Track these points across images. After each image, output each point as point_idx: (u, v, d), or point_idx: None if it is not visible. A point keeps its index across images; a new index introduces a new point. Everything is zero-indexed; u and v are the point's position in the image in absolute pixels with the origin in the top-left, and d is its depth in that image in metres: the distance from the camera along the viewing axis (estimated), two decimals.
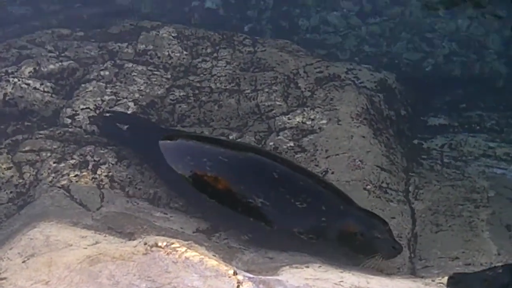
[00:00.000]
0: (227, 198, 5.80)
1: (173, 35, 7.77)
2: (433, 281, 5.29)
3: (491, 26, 8.70)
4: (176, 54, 7.54)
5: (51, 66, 7.27)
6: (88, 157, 6.33)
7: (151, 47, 7.60)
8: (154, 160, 6.25)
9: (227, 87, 7.21)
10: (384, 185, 6.39)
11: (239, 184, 5.79)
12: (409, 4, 8.94)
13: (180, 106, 6.99)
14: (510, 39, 8.61)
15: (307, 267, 5.19)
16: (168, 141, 6.22)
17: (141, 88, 7.12)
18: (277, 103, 7.05)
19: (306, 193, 5.66)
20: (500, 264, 5.53)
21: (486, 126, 7.48)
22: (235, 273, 4.74)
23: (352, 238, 5.50)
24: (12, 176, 6.23)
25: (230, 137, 6.72)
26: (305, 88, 7.23)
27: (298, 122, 6.82)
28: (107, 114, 6.74)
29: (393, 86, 7.62)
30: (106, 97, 6.97)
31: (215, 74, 7.35)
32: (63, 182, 6.05)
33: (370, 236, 5.45)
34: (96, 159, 6.32)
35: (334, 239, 5.58)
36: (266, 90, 7.17)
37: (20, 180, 6.21)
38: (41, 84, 7.06)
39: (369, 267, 5.43)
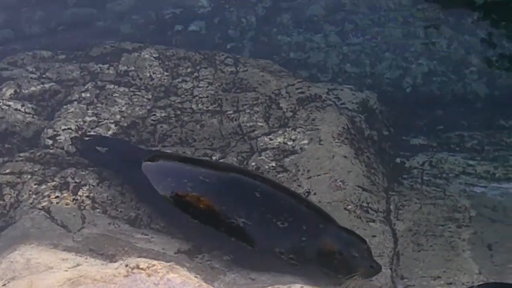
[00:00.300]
0: (209, 219, 5.77)
1: (154, 56, 7.78)
2: None
3: (471, 47, 8.79)
4: (157, 75, 7.55)
5: (33, 88, 7.26)
6: (69, 179, 6.29)
7: (133, 68, 7.61)
8: (135, 182, 6.23)
9: (209, 107, 7.22)
10: (365, 205, 6.40)
11: (221, 204, 5.77)
12: (388, 25, 9.02)
13: (161, 127, 6.99)
14: (489, 60, 8.70)
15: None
16: (148, 163, 6.19)
17: (122, 109, 7.11)
18: (259, 123, 7.07)
19: (287, 212, 5.65)
20: (480, 282, 5.57)
21: (466, 145, 7.52)
22: None
23: (330, 256, 5.48)
24: None
25: (213, 158, 6.70)
26: (286, 109, 7.25)
27: (280, 142, 6.83)
28: (86, 138, 6.70)
29: (374, 106, 7.66)
30: (88, 118, 6.96)
31: (196, 95, 7.36)
32: (44, 204, 6.01)
33: (348, 255, 5.43)
34: (77, 180, 6.29)
35: (313, 259, 5.55)
36: (248, 110, 7.18)
37: (1, 202, 6.17)
38: (22, 106, 7.04)
39: (350, 287, 5.43)
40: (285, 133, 6.93)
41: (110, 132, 6.87)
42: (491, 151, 7.41)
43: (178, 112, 7.14)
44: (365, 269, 5.41)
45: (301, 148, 6.76)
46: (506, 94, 8.38)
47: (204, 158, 6.66)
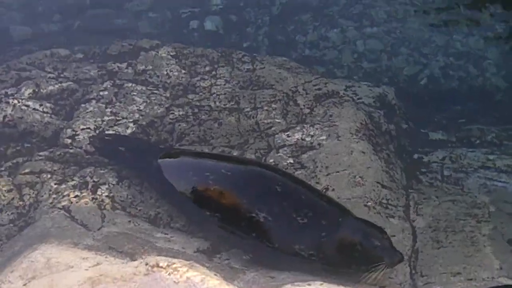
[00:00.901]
0: (229, 213, 5.74)
1: (171, 54, 7.79)
2: None
3: (489, 41, 8.75)
4: (174, 74, 7.56)
5: (51, 87, 7.28)
6: (88, 178, 6.32)
7: (150, 66, 7.62)
8: (155, 180, 6.23)
9: (227, 105, 7.23)
10: (384, 201, 6.38)
11: (243, 198, 5.73)
12: (406, 20, 8.99)
13: (179, 125, 7.00)
14: (508, 53, 8.66)
15: (309, 285, 5.16)
16: (169, 159, 6.21)
17: (140, 108, 7.13)
18: (277, 120, 7.06)
19: (307, 207, 5.62)
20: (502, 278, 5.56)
21: (486, 139, 7.49)
22: None
23: (352, 249, 5.44)
24: (12, 198, 6.22)
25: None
26: (304, 105, 7.24)
27: (298, 139, 6.82)
28: (106, 137, 6.72)
29: (392, 102, 7.64)
30: (106, 118, 6.98)
31: (214, 93, 7.37)
32: (64, 203, 6.04)
33: (370, 245, 5.39)
34: (96, 179, 6.32)
35: (334, 254, 5.51)
36: (266, 107, 7.18)
37: (21, 202, 6.20)
38: (41, 105, 7.07)
39: (373, 279, 5.38)
40: (303, 130, 6.92)
41: (128, 131, 6.89)
42: (510, 145, 7.37)
43: (196, 110, 7.15)
44: (389, 258, 5.36)
45: (319, 144, 6.75)
46: None
47: (222, 153, 6.66)
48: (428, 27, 8.94)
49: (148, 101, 7.21)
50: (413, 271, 5.86)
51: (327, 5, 9.28)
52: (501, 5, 9.09)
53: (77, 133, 6.84)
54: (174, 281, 4.83)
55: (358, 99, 7.47)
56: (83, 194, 6.15)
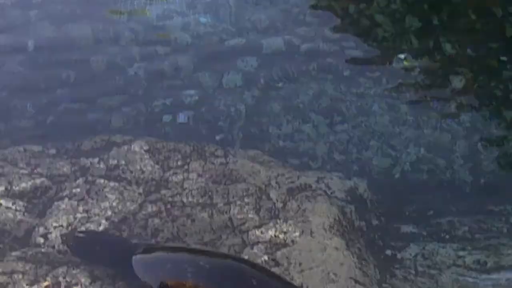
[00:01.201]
0: None
1: (144, 148, 7.83)
2: None
3: (457, 133, 8.92)
4: (148, 168, 7.59)
5: (23, 184, 7.26)
6: (61, 278, 6.24)
7: (123, 162, 7.64)
8: (130, 276, 6.17)
9: (199, 200, 7.24)
10: None
11: None
12: (377, 114, 9.15)
13: (152, 221, 6.99)
14: (474, 145, 8.82)
15: None
16: (145, 254, 6.16)
17: (113, 205, 7.12)
18: (250, 216, 7.08)
19: None
20: None
21: (457, 233, 7.55)
22: None
23: None
24: None
25: None
26: (277, 200, 7.28)
27: (271, 235, 6.84)
28: (78, 235, 6.66)
29: (364, 195, 7.72)
30: (78, 215, 6.95)
31: (186, 188, 7.38)
32: None
33: None
34: (69, 280, 6.25)
35: None
36: (239, 202, 7.21)
37: None
38: (13, 204, 7.03)
39: None
40: (276, 226, 6.94)
41: (101, 228, 6.85)
42: (482, 239, 7.44)
43: (169, 206, 7.16)
44: None
45: (292, 241, 6.77)
46: (492, 179, 8.48)
47: (196, 247, 6.65)
48: (398, 120, 9.08)
49: (121, 197, 7.21)
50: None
51: (297, 98, 9.41)
52: (466, 97, 9.32)
53: (50, 231, 6.80)
54: None
55: (331, 192, 7.54)
56: None
